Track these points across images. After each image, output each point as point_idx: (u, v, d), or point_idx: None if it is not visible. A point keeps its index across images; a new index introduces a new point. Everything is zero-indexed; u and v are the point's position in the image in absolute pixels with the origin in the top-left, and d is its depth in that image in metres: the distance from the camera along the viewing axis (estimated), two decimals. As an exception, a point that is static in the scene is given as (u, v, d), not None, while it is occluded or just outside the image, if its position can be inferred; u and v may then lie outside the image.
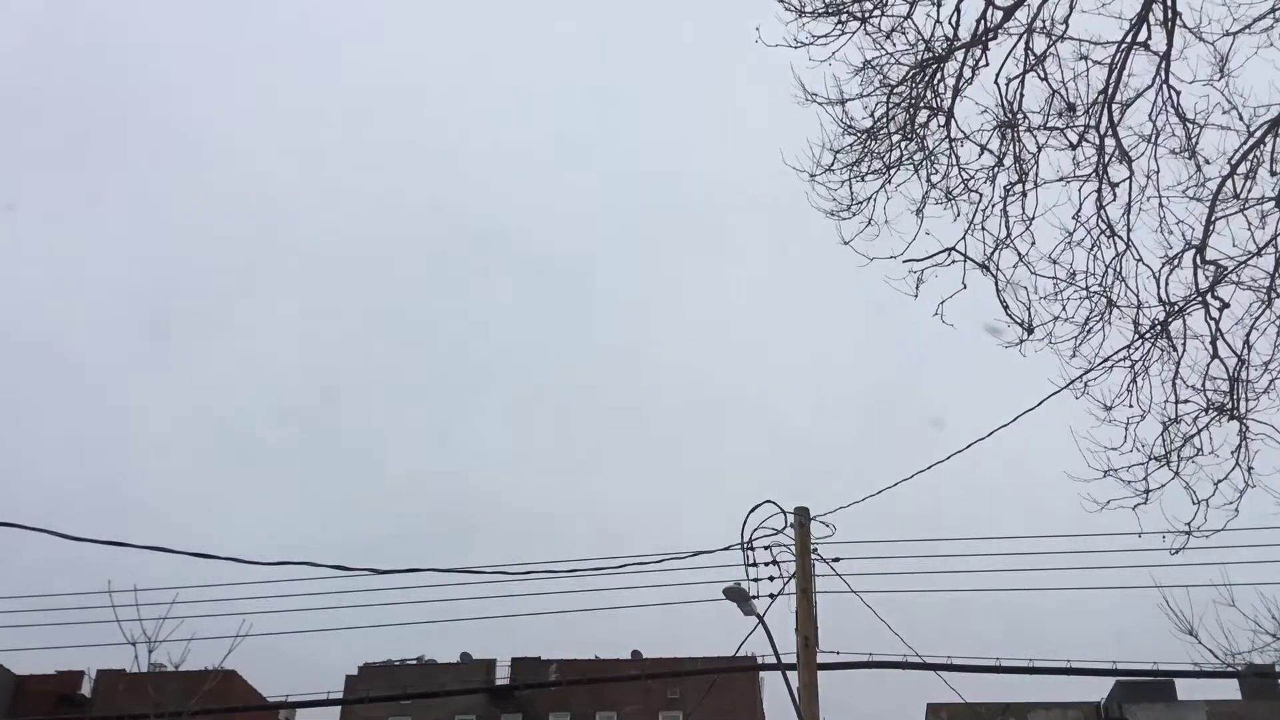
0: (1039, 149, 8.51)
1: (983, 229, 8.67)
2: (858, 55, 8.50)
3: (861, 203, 8.81)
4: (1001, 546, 14.04)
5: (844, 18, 8.34)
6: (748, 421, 79.24)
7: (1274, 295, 8.03)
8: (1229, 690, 37.29)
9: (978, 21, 8.25)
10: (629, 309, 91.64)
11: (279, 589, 13.54)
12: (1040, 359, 8.70)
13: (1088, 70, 8.24)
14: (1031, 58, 8.31)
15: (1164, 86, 8.05)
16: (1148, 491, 8.55)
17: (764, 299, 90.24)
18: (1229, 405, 8.38)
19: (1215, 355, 8.36)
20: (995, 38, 8.31)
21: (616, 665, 41.93)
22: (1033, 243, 8.60)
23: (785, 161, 8.90)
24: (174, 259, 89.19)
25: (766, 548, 13.40)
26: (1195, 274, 8.27)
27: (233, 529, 62.62)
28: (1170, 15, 7.89)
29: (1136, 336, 8.51)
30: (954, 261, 8.76)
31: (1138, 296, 8.46)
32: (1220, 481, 8.44)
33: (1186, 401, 8.51)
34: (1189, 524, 8.58)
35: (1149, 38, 8.01)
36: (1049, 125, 8.45)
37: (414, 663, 45.44)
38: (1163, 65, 8.00)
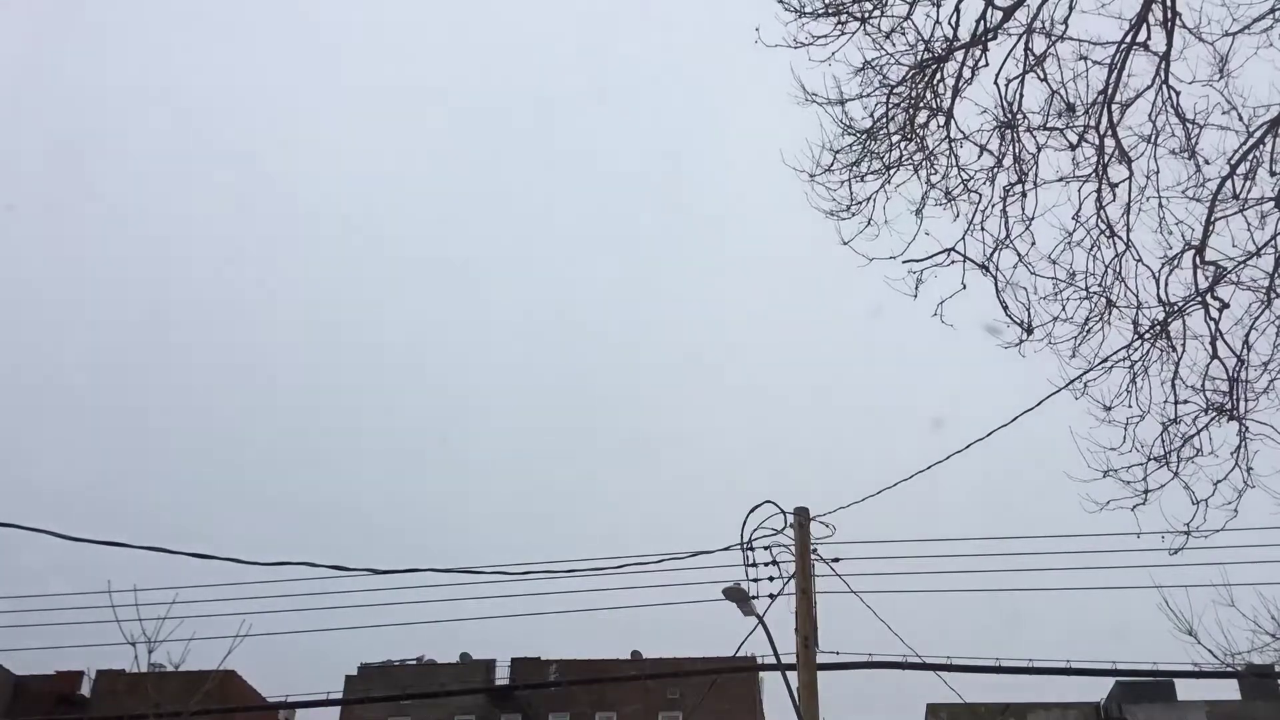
0: (1039, 149, 8.52)
1: (982, 229, 8.68)
2: (857, 56, 8.52)
3: (861, 203, 8.82)
4: (1001, 546, 14.04)
5: (844, 18, 8.34)
6: (748, 421, 79.23)
7: (1273, 295, 8.03)
8: (1229, 690, 37.28)
9: (977, 22, 8.25)
10: (628, 308, 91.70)
11: (279, 589, 13.52)
12: (1040, 359, 8.71)
13: (1087, 70, 8.25)
14: (1031, 58, 8.31)
15: (1164, 87, 8.05)
16: (1147, 492, 8.55)
17: (763, 298, 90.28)
18: (1228, 405, 8.37)
19: (1215, 355, 8.36)
20: (995, 38, 8.31)
21: (616, 665, 41.89)
22: (1032, 243, 8.61)
23: (785, 162, 8.91)
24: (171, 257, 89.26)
25: (766, 548, 13.39)
26: (1195, 274, 8.27)
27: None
28: (1170, 16, 7.89)
29: (1136, 337, 8.51)
30: (953, 262, 8.76)
31: (1137, 297, 8.46)
32: (1219, 482, 8.43)
33: (1186, 402, 8.51)
34: (1188, 524, 8.58)
35: (1149, 38, 8.01)
36: (1049, 125, 8.45)
37: (414, 663, 45.41)
38: (1162, 65, 8.00)
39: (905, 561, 13.93)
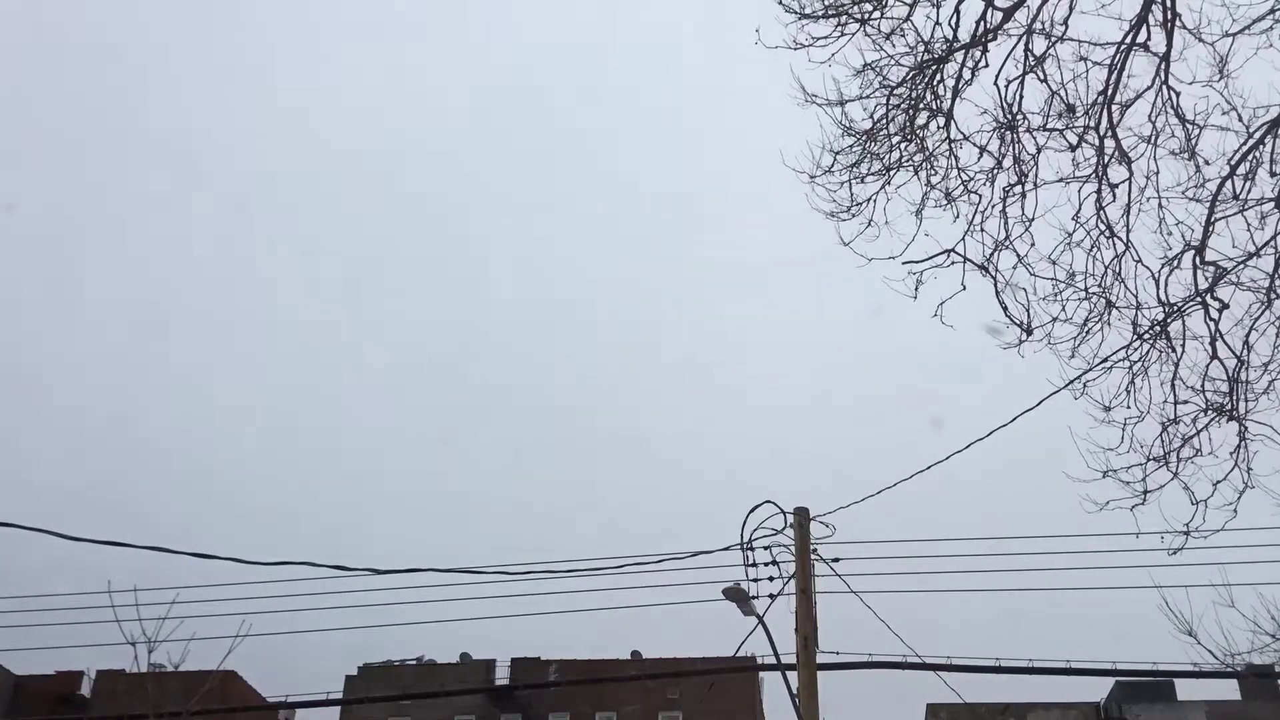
0: (1038, 150, 8.52)
1: (982, 230, 8.68)
2: (857, 57, 8.52)
3: (861, 204, 8.82)
4: (1001, 546, 14.05)
5: (844, 19, 8.34)
6: (748, 421, 79.23)
7: (1273, 296, 8.03)
8: (1228, 690, 37.30)
9: (977, 23, 8.25)
10: (628, 308, 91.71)
11: (279, 589, 13.55)
12: (1040, 360, 8.71)
13: (1087, 71, 8.25)
14: (1031, 59, 8.31)
15: (1164, 87, 8.06)
16: (1146, 492, 8.55)
17: (763, 298, 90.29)
18: (1228, 406, 8.37)
19: (1214, 356, 8.36)
20: (995, 39, 8.31)
21: (616, 665, 41.90)
22: (1032, 244, 8.61)
23: (785, 163, 8.92)
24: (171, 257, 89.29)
25: (766, 548, 13.41)
26: (1195, 275, 8.27)
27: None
28: (1170, 16, 7.89)
29: (1135, 337, 8.51)
30: (953, 263, 8.76)
31: (1137, 297, 8.46)
32: (1219, 482, 8.43)
33: (1185, 402, 8.51)
34: (1187, 525, 8.58)
35: (1149, 39, 8.01)
36: (1048, 126, 8.45)
37: (414, 663, 45.42)
38: (1162, 66, 8.00)
39: (905, 561, 13.98)
